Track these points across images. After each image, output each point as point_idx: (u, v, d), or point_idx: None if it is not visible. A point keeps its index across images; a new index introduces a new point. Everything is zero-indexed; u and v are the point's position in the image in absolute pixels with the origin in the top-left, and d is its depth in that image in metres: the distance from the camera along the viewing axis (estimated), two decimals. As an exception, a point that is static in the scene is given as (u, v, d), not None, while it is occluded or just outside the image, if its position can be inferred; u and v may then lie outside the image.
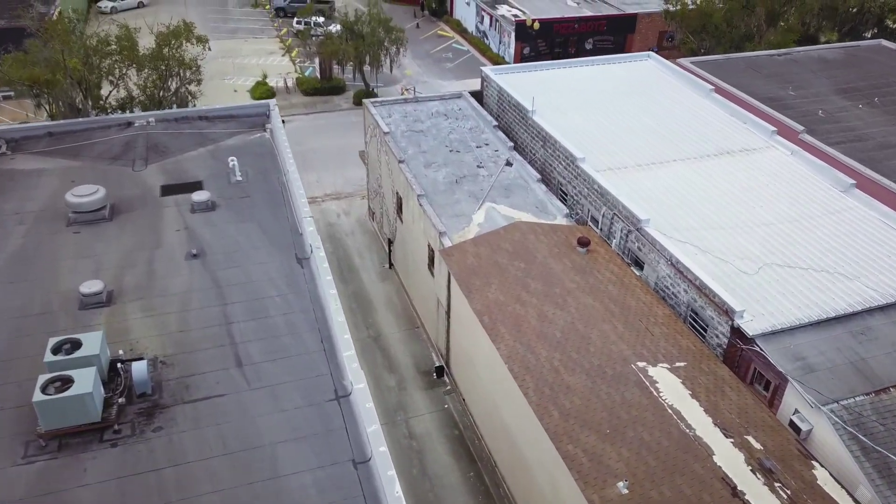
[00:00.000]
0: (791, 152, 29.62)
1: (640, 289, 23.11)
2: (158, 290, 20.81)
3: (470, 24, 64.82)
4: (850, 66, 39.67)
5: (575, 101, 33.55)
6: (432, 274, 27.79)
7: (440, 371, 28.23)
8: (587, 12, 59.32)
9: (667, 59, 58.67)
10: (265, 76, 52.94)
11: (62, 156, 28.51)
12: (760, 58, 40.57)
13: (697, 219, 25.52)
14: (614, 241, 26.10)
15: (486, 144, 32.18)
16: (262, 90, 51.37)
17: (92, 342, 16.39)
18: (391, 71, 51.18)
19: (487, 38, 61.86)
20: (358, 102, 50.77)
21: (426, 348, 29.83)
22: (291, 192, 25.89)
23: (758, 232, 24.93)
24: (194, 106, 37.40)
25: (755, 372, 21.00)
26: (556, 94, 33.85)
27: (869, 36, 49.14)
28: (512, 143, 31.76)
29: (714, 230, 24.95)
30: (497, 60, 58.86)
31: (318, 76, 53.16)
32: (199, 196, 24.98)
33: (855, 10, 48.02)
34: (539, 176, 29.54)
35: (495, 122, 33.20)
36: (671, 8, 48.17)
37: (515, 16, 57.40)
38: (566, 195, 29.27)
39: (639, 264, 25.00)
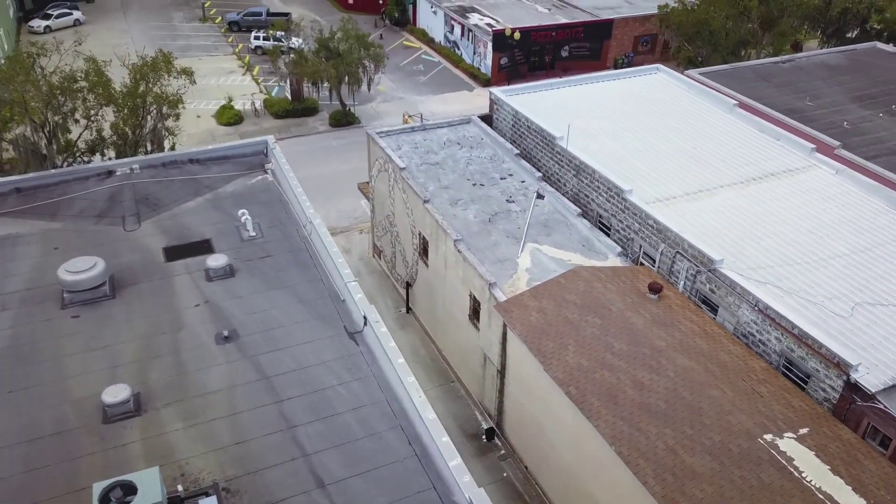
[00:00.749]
0: (836, 171, 28.10)
1: (726, 339, 20.95)
2: (195, 389, 17.38)
3: (437, 34, 62.06)
4: (856, 71, 38.81)
5: (599, 122, 31.30)
6: (476, 327, 25.01)
7: (490, 433, 25.48)
8: (562, 19, 57.39)
9: (642, 64, 57.66)
10: (230, 99, 48.90)
11: (37, 216, 24.47)
12: (766, 66, 39.33)
13: (767, 253, 23.57)
14: (680, 282, 23.90)
15: (511, 175, 29.55)
16: (229, 115, 47.40)
17: (150, 484, 12.98)
18: (369, 90, 48.03)
19: (459, 49, 59.24)
20: (336, 123, 47.43)
21: (467, 407, 27.00)
22: (319, 247, 22.70)
23: (834, 266, 23.14)
24: (173, 144, 33.48)
25: (868, 427, 19.10)
26: (575, 115, 31.49)
27: (852, 37, 48.86)
28: (540, 174, 29.23)
29: (789, 266, 23.03)
30: (472, 72, 56.35)
31: (289, 97, 49.45)
32: (215, 261, 21.53)
33: (838, 11, 47.57)
34: (579, 210, 27.09)
35: (516, 150, 30.60)
36: (671, 2, 46.35)
37: (491, 25, 54.97)
38: (608, 229, 26.96)
39: (710, 307, 22.87)
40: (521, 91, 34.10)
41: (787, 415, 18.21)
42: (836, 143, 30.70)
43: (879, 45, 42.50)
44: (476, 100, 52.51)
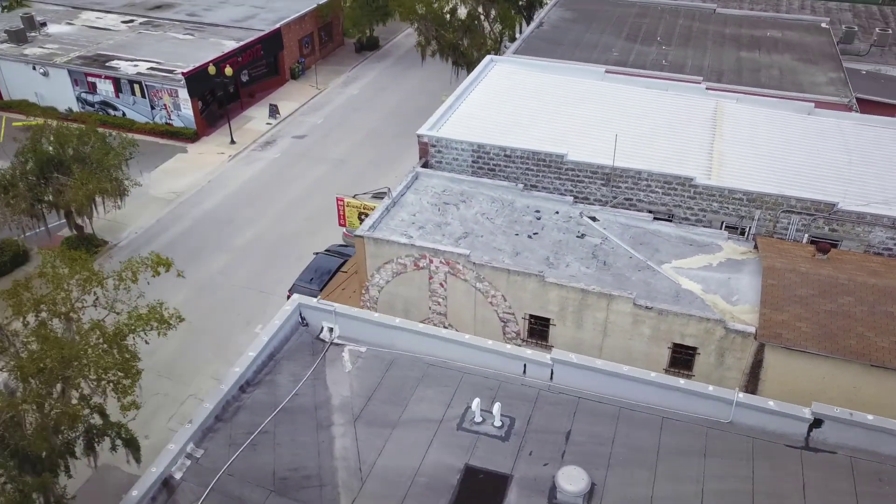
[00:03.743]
0: (737, 100, 32.21)
1: None
2: None
3: (61, 101, 46.88)
4: (592, 20, 43.76)
5: (540, 128, 29.22)
6: (684, 376, 22.30)
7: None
8: (227, 42, 49.26)
9: (312, 65, 54.26)
10: None
11: None
12: (540, 32, 41.33)
13: (823, 181, 26.26)
14: (790, 235, 25.16)
15: (538, 212, 25.98)
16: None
17: None
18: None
19: (118, 109, 46.16)
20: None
21: None
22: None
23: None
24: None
25: None
26: (506, 128, 28.87)
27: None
28: (571, 198, 26.35)
29: (849, 184, 26.23)
30: (164, 130, 44.98)
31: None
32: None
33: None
34: (650, 215, 25.64)
35: (521, 185, 26.77)
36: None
37: (170, 69, 44.12)
38: (669, 222, 26.26)
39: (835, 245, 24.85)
40: (447, 122, 29.33)
41: None
42: (700, 78, 34.90)
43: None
44: (207, 159, 43.10)
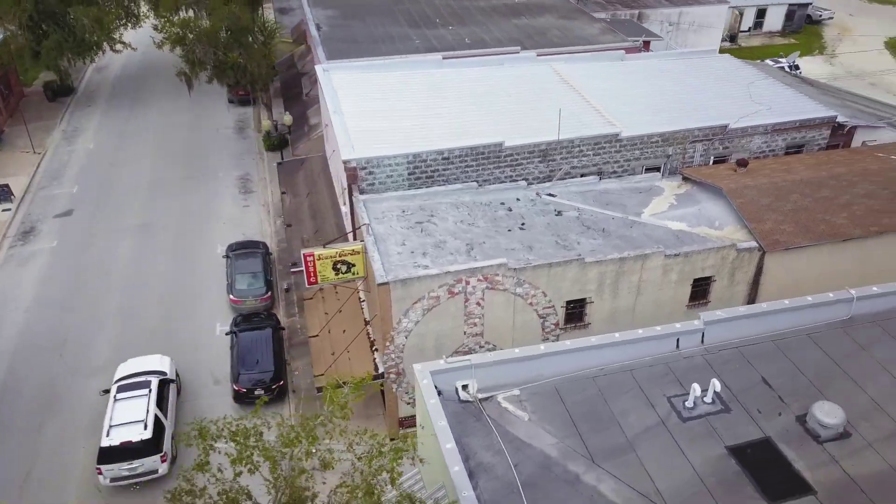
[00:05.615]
0: (564, 61, 34.91)
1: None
2: None
3: None
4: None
5: (444, 121, 28.41)
6: (700, 307, 24.47)
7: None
8: None
9: (2, 126, 44.23)
10: None
11: None
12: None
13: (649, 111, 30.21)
14: (695, 161, 28.71)
15: (503, 204, 25.53)
16: None
17: None
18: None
19: None
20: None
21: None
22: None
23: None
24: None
25: None
26: (425, 128, 27.64)
27: None
28: (524, 182, 26.23)
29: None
30: None
31: None
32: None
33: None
34: (595, 176, 26.92)
35: (476, 184, 25.72)
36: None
37: None
38: (601, 176, 27.96)
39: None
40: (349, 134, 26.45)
41: (866, 155, 28.15)
42: (517, 47, 36.63)
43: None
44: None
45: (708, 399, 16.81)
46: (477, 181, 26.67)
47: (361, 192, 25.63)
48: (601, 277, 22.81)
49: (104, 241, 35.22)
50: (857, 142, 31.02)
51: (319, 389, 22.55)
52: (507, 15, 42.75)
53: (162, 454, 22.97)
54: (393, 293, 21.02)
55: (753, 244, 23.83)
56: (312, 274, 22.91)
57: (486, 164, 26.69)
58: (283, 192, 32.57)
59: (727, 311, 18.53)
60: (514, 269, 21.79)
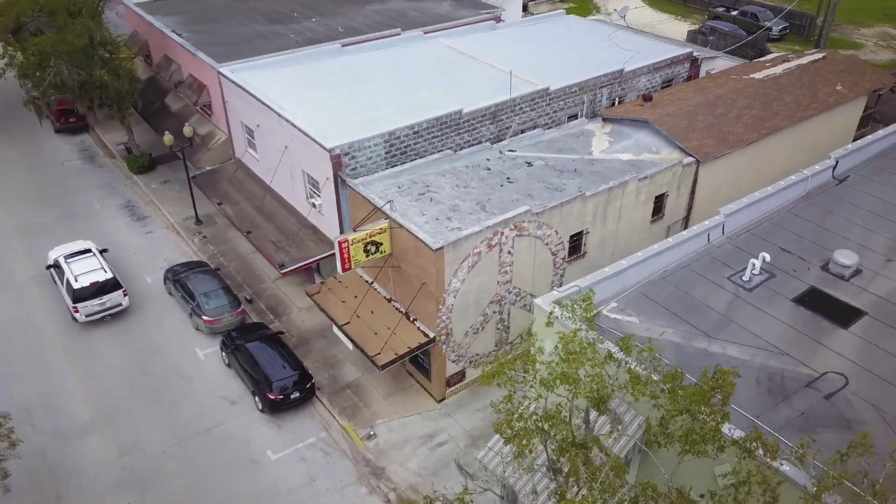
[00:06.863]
0: (448, 36, 37.17)
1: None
2: None
3: None
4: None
5: (380, 102, 29.45)
6: (656, 221, 28.60)
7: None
8: None
9: None
10: None
11: None
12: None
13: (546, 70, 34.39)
14: (603, 104, 32.87)
15: (478, 166, 27.45)
16: None
17: None
18: None
19: None
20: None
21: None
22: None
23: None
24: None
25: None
26: (372, 109, 28.54)
27: None
28: (489, 143, 28.23)
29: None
30: None
31: None
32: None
33: None
34: (540, 129, 29.80)
35: (453, 151, 27.14)
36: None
37: None
38: (548, 126, 30.97)
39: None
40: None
41: (724, 79, 34.41)
42: (398, 29, 37.88)
43: None
44: None
45: (756, 271, 20.67)
46: (445, 149, 28.26)
47: (340, 176, 25.95)
48: (595, 208, 25.86)
49: (5, 302, 30.76)
50: (702, 72, 37.53)
51: (383, 367, 22.98)
52: (358, 3, 43.76)
53: (124, 289, 28.96)
54: (446, 257, 22.14)
55: (691, 159, 28.46)
56: (347, 260, 23.06)
57: (448, 132, 28.34)
58: (218, 203, 31.03)
59: (737, 203, 22.62)
60: (536, 213, 23.99)
